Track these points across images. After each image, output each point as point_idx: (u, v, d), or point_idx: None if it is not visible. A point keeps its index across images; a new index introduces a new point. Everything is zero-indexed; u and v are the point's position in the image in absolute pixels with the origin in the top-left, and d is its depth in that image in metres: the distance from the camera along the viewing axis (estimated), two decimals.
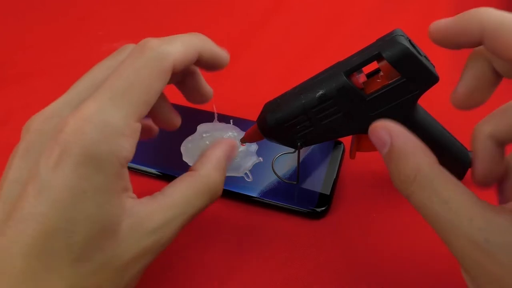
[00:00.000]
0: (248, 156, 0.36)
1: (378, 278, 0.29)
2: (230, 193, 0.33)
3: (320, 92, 0.28)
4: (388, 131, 0.23)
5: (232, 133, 0.37)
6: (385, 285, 0.29)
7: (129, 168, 0.34)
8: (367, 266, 0.30)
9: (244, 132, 0.33)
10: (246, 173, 0.34)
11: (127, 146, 0.21)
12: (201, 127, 0.38)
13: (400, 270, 0.29)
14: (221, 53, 0.27)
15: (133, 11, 0.56)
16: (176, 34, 0.57)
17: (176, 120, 0.28)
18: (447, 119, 0.33)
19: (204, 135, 0.37)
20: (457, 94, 0.25)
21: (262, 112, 0.31)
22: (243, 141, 0.32)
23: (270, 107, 0.30)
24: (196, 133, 0.37)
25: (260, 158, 0.36)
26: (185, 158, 0.35)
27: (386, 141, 0.22)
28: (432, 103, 0.34)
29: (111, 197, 0.21)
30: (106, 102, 0.21)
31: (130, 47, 0.25)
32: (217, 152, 0.27)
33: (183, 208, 0.24)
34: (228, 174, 0.34)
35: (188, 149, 0.36)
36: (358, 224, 0.32)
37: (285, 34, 0.52)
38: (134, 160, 0.35)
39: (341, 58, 0.29)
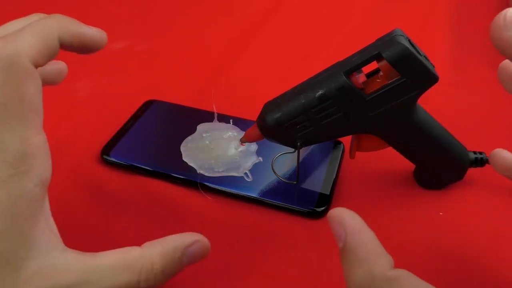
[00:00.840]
0: (248, 156, 0.36)
1: None
2: (230, 193, 0.33)
3: (320, 92, 0.28)
4: (343, 226, 0.21)
5: (232, 133, 0.37)
6: None
7: (129, 167, 0.35)
8: None
9: (244, 132, 0.33)
10: (246, 173, 0.34)
11: (39, 167, 0.19)
12: (201, 127, 0.38)
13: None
14: (91, 32, 0.23)
15: (133, 11, 0.56)
16: (176, 33, 0.57)
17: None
18: (447, 119, 0.33)
19: (204, 135, 0.37)
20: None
21: (262, 112, 0.31)
22: (243, 141, 0.32)
23: (270, 107, 0.30)
24: (196, 133, 0.37)
25: (260, 158, 0.36)
26: (185, 158, 0.35)
27: (340, 236, 0.21)
28: (432, 103, 0.34)
29: (16, 224, 0.19)
30: None
31: None
32: (178, 241, 0.23)
33: (102, 277, 0.21)
34: (228, 174, 0.34)
35: (188, 149, 0.36)
36: None
37: (285, 34, 0.52)
38: (134, 160, 0.35)
39: (341, 58, 0.29)
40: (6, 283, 0.18)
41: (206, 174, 0.34)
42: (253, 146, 0.36)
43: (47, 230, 0.20)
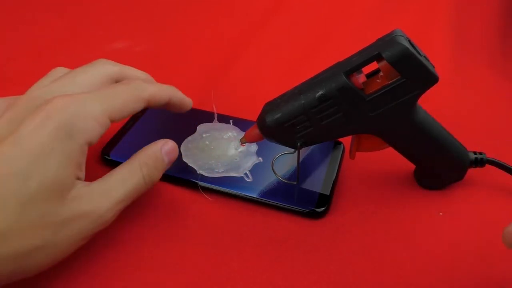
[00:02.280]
0: (248, 156, 0.36)
1: (378, 278, 0.29)
2: (230, 194, 0.33)
3: (320, 92, 0.28)
4: None
5: (232, 133, 0.37)
6: (385, 285, 0.29)
7: None
8: (367, 266, 0.30)
9: (244, 132, 0.33)
10: (246, 173, 0.34)
11: (96, 131, 0.26)
12: (201, 127, 0.38)
13: (400, 269, 0.29)
14: (186, 100, 0.34)
15: (133, 11, 0.56)
16: (176, 33, 0.57)
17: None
18: (447, 119, 0.33)
19: (204, 135, 0.37)
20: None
21: (262, 112, 0.31)
22: (243, 141, 0.32)
23: (270, 107, 0.30)
24: (196, 133, 0.37)
25: (260, 158, 0.36)
26: (185, 158, 0.35)
27: None
28: (432, 103, 0.34)
29: (70, 163, 0.25)
30: (92, 97, 0.27)
31: (101, 61, 0.32)
32: (154, 146, 0.30)
33: (118, 187, 0.27)
34: (228, 174, 0.34)
35: (188, 149, 0.36)
36: (358, 224, 0.32)
37: (285, 34, 0.52)
38: None
39: (341, 58, 0.29)
40: (55, 203, 0.25)
41: (206, 174, 0.34)
42: (253, 147, 0.36)
43: (83, 173, 0.27)
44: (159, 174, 0.30)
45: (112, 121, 0.27)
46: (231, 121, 0.38)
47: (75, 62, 0.48)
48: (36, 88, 0.29)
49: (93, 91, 0.27)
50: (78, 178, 0.26)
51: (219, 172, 0.34)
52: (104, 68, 0.31)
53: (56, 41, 0.51)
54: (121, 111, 0.28)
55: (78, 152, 0.26)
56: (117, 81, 0.31)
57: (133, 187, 0.28)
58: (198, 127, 0.38)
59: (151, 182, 0.29)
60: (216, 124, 0.38)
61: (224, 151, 0.36)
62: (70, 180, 0.25)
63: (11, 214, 0.23)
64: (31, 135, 0.24)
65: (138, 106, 0.29)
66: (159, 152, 0.30)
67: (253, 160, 0.35)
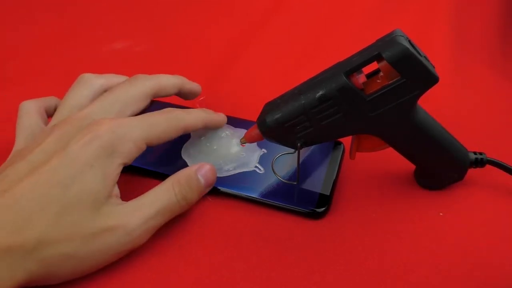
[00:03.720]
0: (252, 150, 0.35)
1: (378, 278, 0.29)
2: (231, 193, 0.33)
3: (320, 93, 0.28)
4: None
5: (228, 131, 0.36)
6: (385, 285, 0.29)
7: (129, 168, 0.35)
8: (367, 266, 0.30)
9: (238, 129, 0.33)
10: (256, 166, 0.35)
11: (132, 153, 0.29)
12: (195, 131, 0.37)
13: (400, 270, 0.29)
14: (220, 120, 0.36)
15: (133, 11, 0.56)
16: (176, 33, 0.57)
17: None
18: (447, 119, 0.33)
19: (201, 138, 0.36)
20: None
21: (262, 112, 0.31)
22: (243, 141, 0.32)
23: (270, 107, 0.30)
24: (192, 138, 0.36)
25: (263, 150, 0.36)
26: (190, 164, 0.35)
27: None
28: (432, 104, 0.34)
29: (105, 179, 0.27)
30: (136, 125, 0.29)
31: (139, 77, 0.34)
32: (190, 168, 0.32)
33: (152, 204, 0.29)
34: (240, 170, 0.34)
35: (191, 155, 0.35)
36: (358, 224, 0.32)
37: (285, 34, 0.52)
38: (134, 161, 0.35)
39: (341, 58, 0.29)
40: (88, 214, 0.27)
41: (218, 174, 0.34)
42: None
43: (116, 190, 0.29)
44: (193, 194, 0.31)
45: (148, 146, 0.30)
46: None
47: (75, 62, 0.48)
48: (73, 100, 0.32)
49: (137, 118, 0.30)
50: (112, 195, 0.28)
51: (229, 170, 0.34)
52: (142, 85, 0.33)
53: (56, 41, 0.51)
54: (159, 138, 0.30)
55: (114, 170, 0.28)
56: (154, 94, 0.34)
57: (164, 204, 0.29)
58: (192, 132, 0.37)
59: (184, 200, 0.30)
60: None
61: (227, 149, 0.35)
62: (104, 194, 0.27)
63: (48, 221, 0.25)
64: (78, 151, 0.27)
65: (175, 134, 0.31)
66: (193, 173, 0.31)
67: (258, 152, 0.35)
